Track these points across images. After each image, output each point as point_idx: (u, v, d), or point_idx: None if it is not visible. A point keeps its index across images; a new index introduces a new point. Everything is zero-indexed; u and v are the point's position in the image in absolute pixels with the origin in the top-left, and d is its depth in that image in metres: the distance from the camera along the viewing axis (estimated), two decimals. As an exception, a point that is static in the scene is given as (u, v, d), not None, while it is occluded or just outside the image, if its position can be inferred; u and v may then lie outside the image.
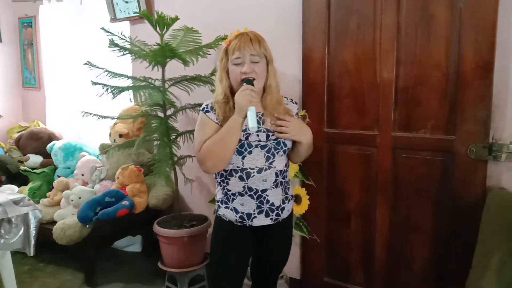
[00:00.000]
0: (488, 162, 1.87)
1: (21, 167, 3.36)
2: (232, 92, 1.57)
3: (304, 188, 2.25)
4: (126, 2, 2.98)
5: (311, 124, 2.07)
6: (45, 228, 2.64)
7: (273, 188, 1.57)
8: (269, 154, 1.56)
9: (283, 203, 1.62)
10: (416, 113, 2.01)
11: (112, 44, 2.30)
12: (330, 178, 2.29)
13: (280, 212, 1.61)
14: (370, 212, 2.18)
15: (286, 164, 1.64)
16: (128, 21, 3.08)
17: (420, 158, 2.02)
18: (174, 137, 2.51)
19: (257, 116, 1.55)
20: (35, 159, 3.46)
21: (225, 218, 1.63)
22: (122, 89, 2.36)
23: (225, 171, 1.58)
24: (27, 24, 3.91)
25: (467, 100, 1.86)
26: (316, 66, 2.24)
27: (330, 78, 2.22)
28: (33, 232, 2.07)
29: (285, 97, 1.70)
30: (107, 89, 2.36)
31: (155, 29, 2.35)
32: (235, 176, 1.55)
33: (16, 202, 2.05)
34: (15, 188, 3.07)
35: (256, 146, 1.54)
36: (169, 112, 2.49)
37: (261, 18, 2.39)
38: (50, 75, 3.72)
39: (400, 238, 2.12)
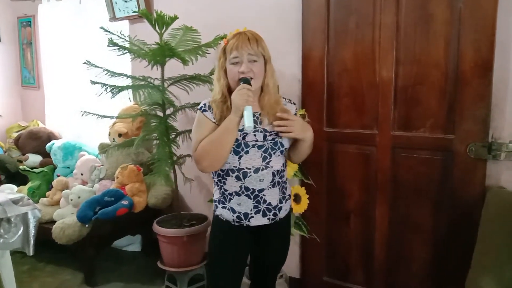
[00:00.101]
0: (488, 161, 1.87)
1: (20, 167, 3.36)
2: (230, 91, 1.56)
3: (303, 188, 2.25)
4: (125, 1, 2.98)
5: (311, 123, 2.06)
6: (44, 227, 2.64)
7: (270, 188, 1.57)
8: (266, 154, 1.55)
9: (280, 202, 1.62)
10: (415, 112, 2.01)
11: (111, 43, 2.30)
12: (330, 178, 2.29)
13: (277, 212, 1.61)
14: (369, 211, 2.18)
15: (283, 164, 1.64)
16: (127, 20, 3.07)
17: (420, 157, 2.02)
18: (173, 136, 2.51)
19: (254, 116, 1.55)
20: (34, 159, 3.45)
21: (222, 218, 1.63)
22: (121, 89, 2.36)
23: (222, 170, 1.58)
24: (26, 23, 3.90)
25: (466, 99, 1.86)
26: (316, 65, 2.24)
27: (329, 78, 2.22)
28: (32, 231, 2.07)
29: (283, 98, 1.70)
30: (106, 88, 2.36)
31: (154, 28, 2.35)
32: (232, 176, 1.55)
33: (15, 202, 2.05)
34: (14, 187, 3.07)
35: (253, 146, 1.54)
36: (168, 112, 2.49)
37: (261, 17, 2.38)
38: (49, 74, 3.72)
39: (400, 237, 2.12)
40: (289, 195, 1.71)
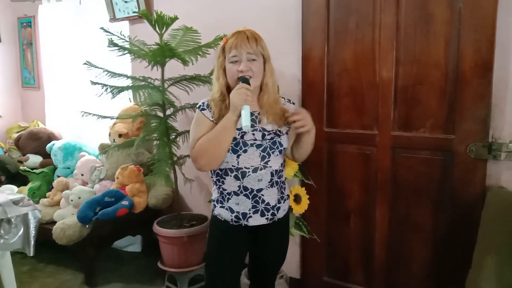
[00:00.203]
0: (488, 161, 1.87)
1: (21, 167, 3.36)
2: (229, 90, 1.56)
3: (303, 188, 2.25)
4: (125, 1, 2.98)
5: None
6: (44, 228, 2.64)
7: (269, 187, 1.57)
8: (265, 154, 1.55)
9: (279, 202, 1.62)
10: (415, 112, 2.01)
11: (112, 44, 2.30)
12: (330, 178, 2.29)
13: (275, 212, 1.61)
14: (369, 211, 2.18)
15: (282, 164, 1.64)
16: (128, 21, 3.08)
17: (420, 157, 2.02)
18: (173, 136, 2.51)
19: (253, 115, 1.55)
20: (34, 159, 3.45)
21: (220, 218, 1.63)
22: (121, 89, 2.36)
23: (221, 170, 1.58)
24: (26, 24, 3.91)
25: (466, 99, 1.86)
26: (316, 65, 2.24)
27: (329, 78, 2.22)
28: (32, 232, 2.07)
29: (282, 97, 1.70)
30: (106, 89, 2.36)
31: (155, 28, 2.35)
32: (231, 175, 1.55)
33: (15, 202, 2.05)
34: (14, 188, 3.07)
35: (252, 145, 1.54)
36: (168, 112, 2.49)
37: (261, 17, 2.39)
38: (49, 75, 3.72)
39: (400, 237, 2.12)
40: (288, 195, 1.71)
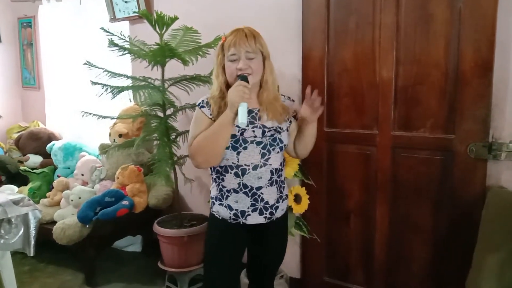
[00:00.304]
0: (488, 161, 1.87)
1: (21, 167, 3.36)
2: (228, 87, 1.56)
3: (304, 188, 2.25)
4: (126, 2, 2.98)
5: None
6: (45, 228, 2.64)
7: (268, 186, 1.58)
8: (265, 151, 1.56)
9: (278, 202, 1.62)
10: (415, 112, 2.01)
11: (112, 44, 2.30)
12: (330, 178, 2.29)
13: (274, 211, 1.61)
14: (369, 211, 2.18)
15: (282, 163, 1.64)
16: (128, 21, 3.08)
17: (420, 157, 2.02)
18: (173, 137, 2.51)
19: (253, 112, 1.56)
20: (35, 159, 3.45)
21: (218, 216, 1.63)
22: (121, 89, 2.36)
23: (221, 167, 1.58)
24: (27, 24, 3.91)
25: (466, 99, 1.86)
26: (316, 65, 2.24)
27: (329, 78, 2.22)
28: (33, 232, 2.07)
29: (282, 95, 1.70)
30: (106, 89, 2.36)
31: (155, 29, 2.35)
32: (231, 173, 1.56)
33: (16, 202, 2.05)
34: (15, 188, 3.07)
35: (252, 142, 1.55)
36: (168, 112, 2.49)
37: (260, 17, 2.38)
38: (49, 75, 3.72)
39: (400, 237, 2.12)
40: (286, 195, 1.71)
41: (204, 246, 1.71)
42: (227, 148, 1.53)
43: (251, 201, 1.57)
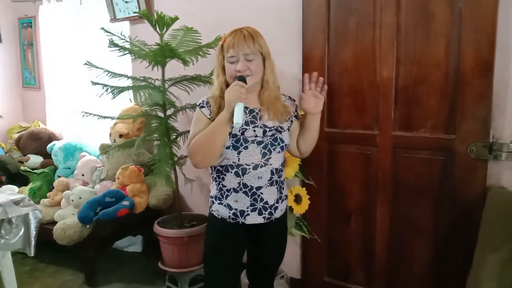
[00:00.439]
0: (489, 161, 1.86)
1: (21, 168, 3.36)
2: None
3: (304, 188, 2.25)
4: (126, 2, 2.98)
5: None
6: (45, 228, 2.64)
7: (268, 186, 1.58)
8: (266, 151, 1.56)
9: (277, 202, 1.62)
10: (416, 112, 2.00)
11: (112, 44, 2.30)
12: (330, 178, 2.29)
13: (273, 211, 1.61)
14: (370, 212, 2.18)
15: (282, 164, 1.64)
16: (128, 21, 3.08)
17: (420, 158, 2.02)
18: (174, 137, 2.51)
19: (254, 111, 1.56)
20: (35, 160, 3.46)
21: (218, 216, 1.64)
22: (122, 89, 2.37)
23: (221, 166, 1.58)
24: (27, 24, 3.91)
25: (467, 99, 1.86)
26: (316, 65, 2.24)
27: (330, 78, 2.22)
28: (33, 232, 2.07)
29: (283, 94, 1.70)
30: (107, 89, 2.36)
31: (155, 29, 2.35)
32: (231, 172, 1.56)
33: (16, 203, 2.05)
34: (15, 188, 3.07)
35: (252, 141, 1.55)
36: (169, 112, 2.49)
37: (261, 17, 2.38)
38: (50, 75, 3.72)
39: (400, 237, 2.12)
40: (286, 195, 1.72)
41: (204, 246, 1.70)
42: (228, 147, 1.53)
43: (250, 201, 1.57)
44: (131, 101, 2.54)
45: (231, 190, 1.58)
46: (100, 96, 2.38)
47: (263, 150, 1.55)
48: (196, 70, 2.42)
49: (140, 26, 2.99)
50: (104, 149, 2.99)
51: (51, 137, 3.57)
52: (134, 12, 2.90)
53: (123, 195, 2.74)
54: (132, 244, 3.22)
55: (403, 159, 2.07)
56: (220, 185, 1.61)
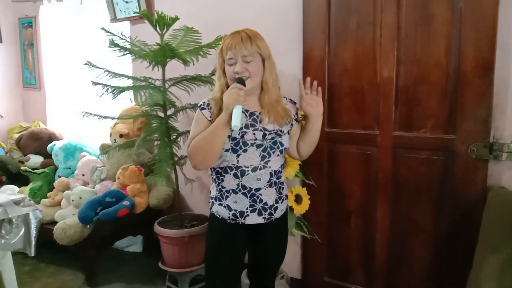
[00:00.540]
0: (489, 162, 1.86)
1: (22, 168, 3.36)
2: None
3: (304, 188, 2.25)
4: (126, 2, 2.98)
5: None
6: (45, 228, 2.64)
7: (267, 187, 1.58)
8: (265, 154, 1.56)
9: (277, 202, 1.62)
10: (416, 112, 2.00)
11: (112, 44, 2.31)
12: (331, 178, 2.29)
13: (273, 212, 1.61)
14: (370, 212, 2.18)
15: (282, 165, 1.64)
16: (128, 21, 3.08)
17: (421, 158, 2.02)
18: (174, 137, 2.51)
19: (254, 114, 1.56)
20: (35, 160, 3.46)
21: (218, 216, 1.64)
22: (122, 89, 2.37)
23: (220, 168, 1.58)
24: (27, 24, 3.91)
25: (467, 99, 1.86)
26: (316, 65, 2.24)
27: (330, 78, 2.22)
28: (33, 232, 2.07)
29: (284, 97, 1.70)
30: (107, 89, 2.36)
31: (155, 29, 2.35)
32: (230, 173, 1.56)
33: (16, 203, 2.05)
34: (15, 188, 3.08)
35: (252, 145, 1.55)
36: (169, 112, 2.49)
37: (261, 17, 2.39)
38: (50, 75, 3.73)
39: (401, 237, 2.12)
40: (286, 195, 1.71)
41: (205, 246, 1.71)
42: (227, 150, 1.54)
43: (249, 202, 1.57)
44: (131, 101, 2.54)
45: (230, 191, 1.58)
46: (101, 96, 2.38)
47: (262, 153, 1.55)
48: (197, 70, 2.42)
49: (140, 26, 2.99)
50: (105, 149, 2.99)
51: (52, 137, 3.57)
52: (135, 12, 2.90)
53: (123, 195, 2.74)
54: (132, 244, 3.23)
55: (403, 159, 2.06)
56: (220, 186, 1.62)
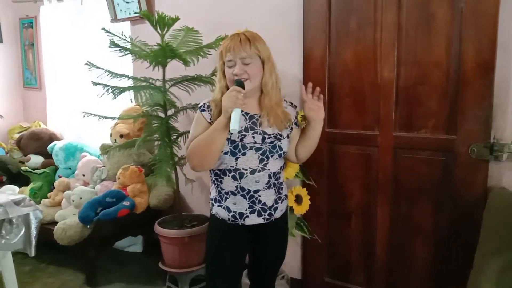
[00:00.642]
0: (489, 162, 1.86)
1: (22, 168, 3.36)
2: None
3: (305, 188, 2.25)
4: (127, 2, 2.98)
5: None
6: (46, 228, 2.64)
7: (266, 189, 1.58)
8: (263, 157, 1.56)
9: (276, 203, 1.62)
10: (417, 112, 2.00)
11: (113, 44, 2.31)
12: (331, 178, 2.29)
13: (272, 212, 1.61)
14: (370, 212, 2.18)
15: (281, 167, 1.64)
16: (129, 22, 3.08)
17: (421, 158, 2.01)
18: (175, 137, 2.52)
19: (254, 117, 1.56)
20: (36, 160, 3.46)
21: (218, 217, 1.64)
22: (123, 90, 2.36)
23: (219, 170, 1.59)
24: (28, 24, 3.91)
25: (468, 99, 1.86)
26: (317, 65, 2.24)
27: (330, 78, 2.22)
28: (34, 232, 2.07)
29: (284, 100, 1.69)
30: (107, 89, 2.36)
31: (156, 29, 2.35)
32: (229, 176, 1.56)
33: (17, 203, 2.06)
34: (16, 188, 3.07)
35: (251, 148, 1.54)
36: (169, 113, 2.49)
37: (261, 17, 2.39)
38: (51, 75, 3.73)
39: (401, 237, 2.12)
40: (286, 195, 1.71)
41: (205, 247, 1.71)
42: (226, 153, 1.53)
43: (248, 203, 1.57)
44: (132, 102, 2.54)
45: (229, 193, 1.59)
46: (101, 96, 2.38)
47: (261, 156, 1.55)
48: (197, 70, 2.42)
49: (141, 27, 2.99)
50: (105, 149, 2.99)
51: (52, 137, 3.57)
52: (135, 13, 2.90)
53: (123, 195, 2.74)
54: (132, 244, 3.23)
55: (403, 159, 2.06)
56: (219, 188, 1.62)
